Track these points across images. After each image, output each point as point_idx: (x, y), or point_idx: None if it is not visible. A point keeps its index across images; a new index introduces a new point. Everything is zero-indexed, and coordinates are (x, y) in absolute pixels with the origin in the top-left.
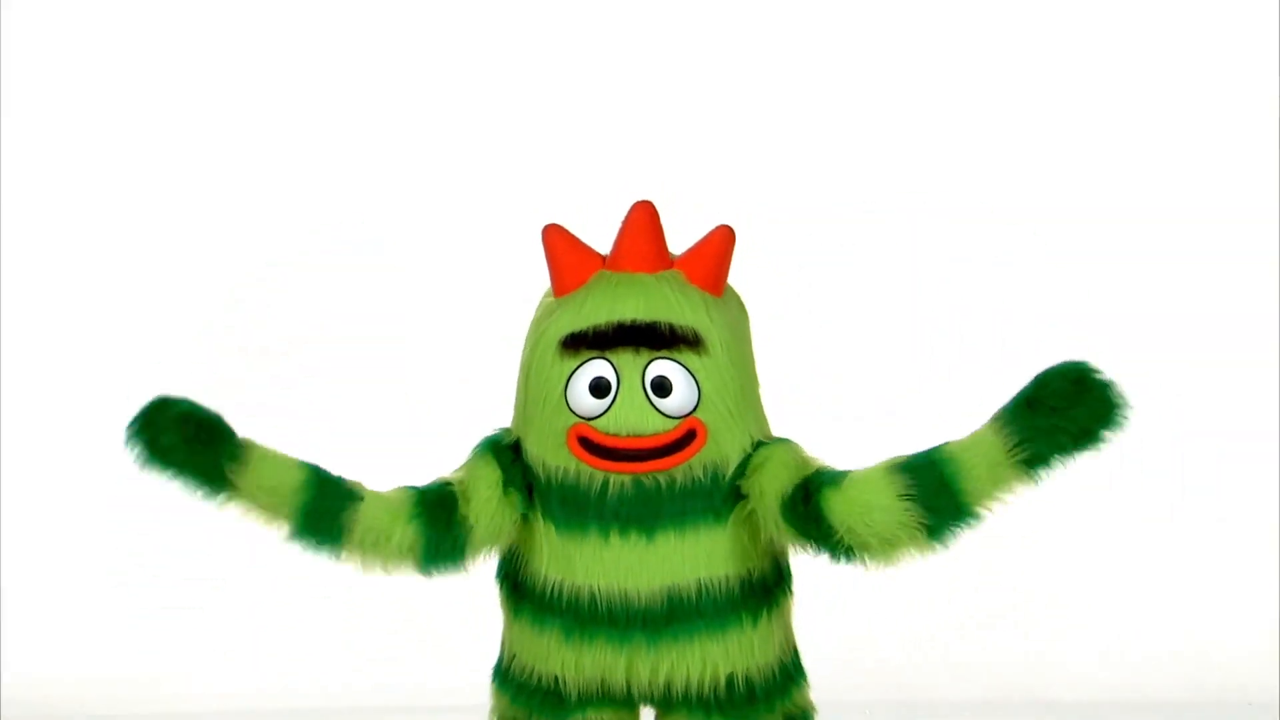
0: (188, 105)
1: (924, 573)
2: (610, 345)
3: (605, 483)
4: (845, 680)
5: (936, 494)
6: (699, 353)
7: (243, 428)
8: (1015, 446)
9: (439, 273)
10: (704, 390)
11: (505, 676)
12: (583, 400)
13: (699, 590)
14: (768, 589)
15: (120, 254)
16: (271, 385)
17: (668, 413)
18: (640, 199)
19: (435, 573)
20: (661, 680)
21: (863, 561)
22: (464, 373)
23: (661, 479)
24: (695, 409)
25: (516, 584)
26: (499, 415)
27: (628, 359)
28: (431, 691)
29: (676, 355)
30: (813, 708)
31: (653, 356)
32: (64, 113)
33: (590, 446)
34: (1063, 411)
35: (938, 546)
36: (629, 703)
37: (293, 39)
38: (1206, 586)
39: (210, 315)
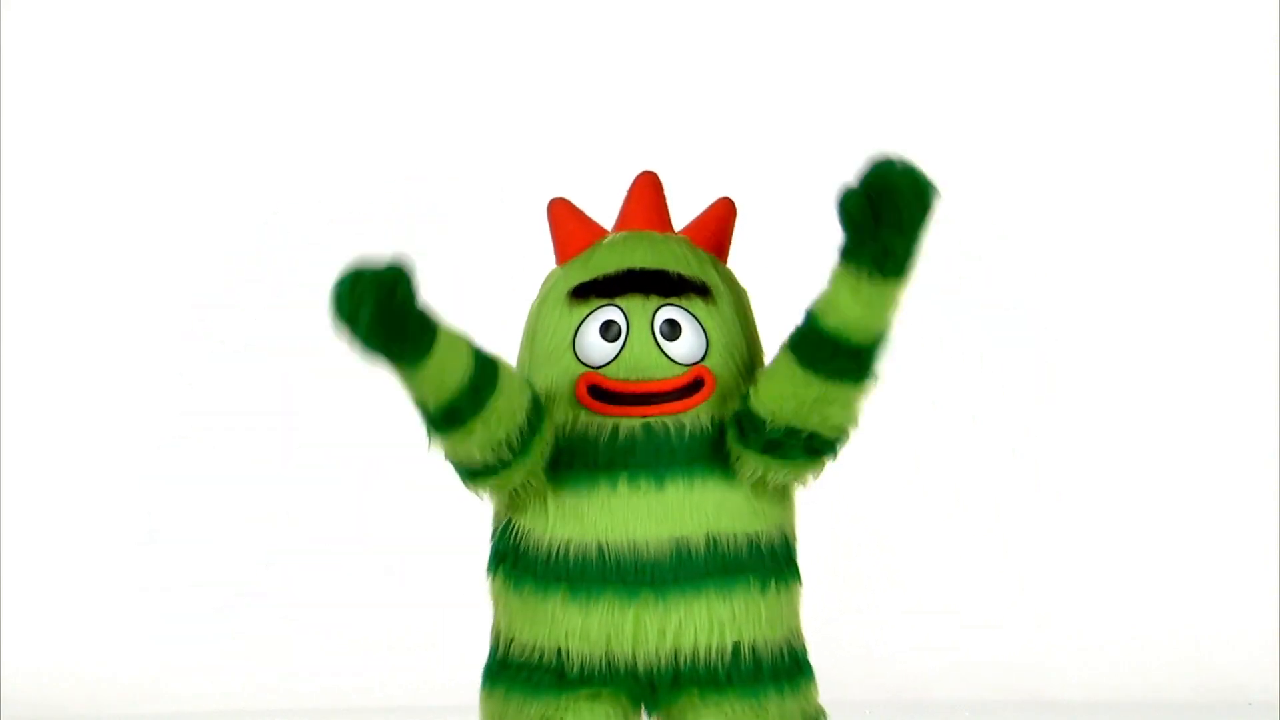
0: (184, 99)
1: (924, 573)
2: (619, 291)
3: (615, 430)
4: (845, 680)
5: (827, 348)
6: (707, 302)
7: (243, 427)
8: (858, 266)
9: (438, 266)
10: (712, 340)
11: (500, 668)
12: (592, 347)
13: (707, 544)
14: (776, 562)
15: (120, 254)
16: (270, 382)
17: (676, 359)
18: (644, 169)
19: (515, 470)
20: (669, 644)
21: (824, 445)
22: None
23: (671, 425)
24: (703, 358)
25: (517, 558)
26: None
27: (637, 304)
28: (431, 691)
29: (685, 303)
30: (823, 712)
31: (662, 302)
32: (62, 113)
33: (600, 394)
34: (871, 230)
35: (869, 383)
36: (633, 679)
37: (290, 36)
38: (1206, 586)
39: (210, 315)
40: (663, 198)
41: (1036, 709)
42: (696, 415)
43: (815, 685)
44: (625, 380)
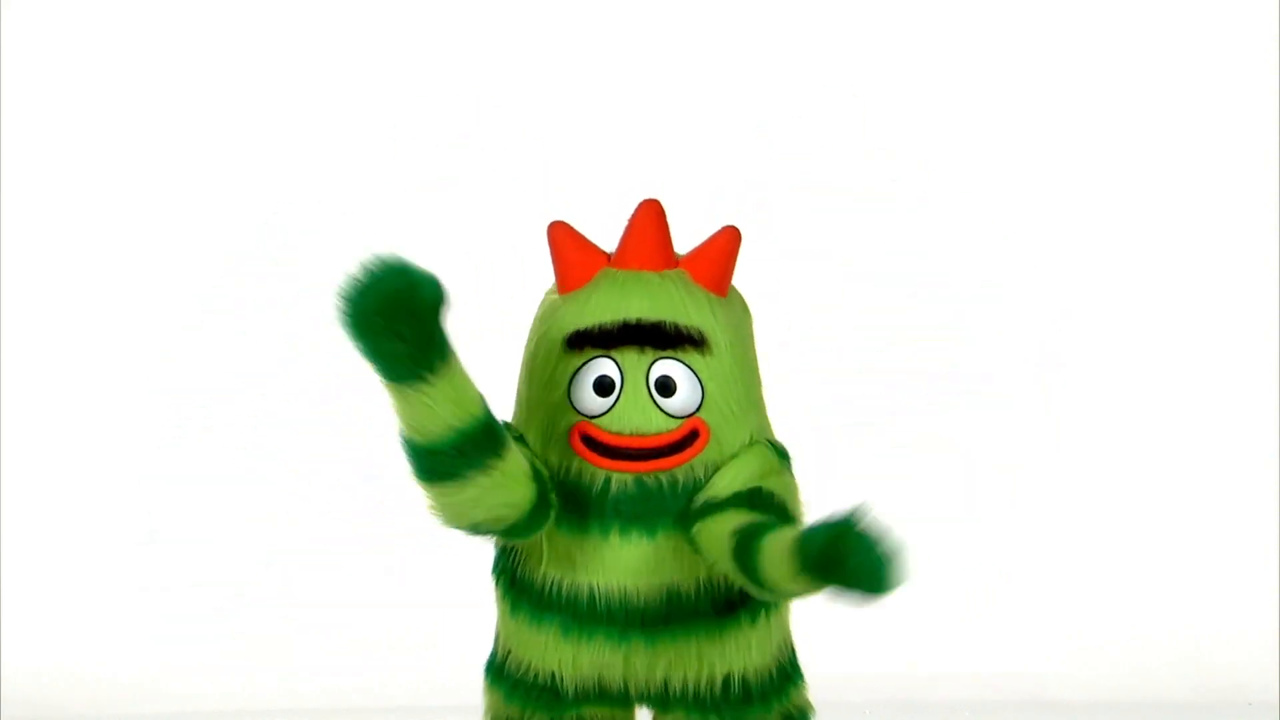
0: (184, 99)
1: (924, 573)
2: (615, 344)
3: (607, 481)
4: (845, 680)
5: (746, 564)
6: (703, 353)
7: (244, 427)
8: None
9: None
10: (707, 390)
11: (500, 672)
12: (586, 398)
13: (697, 590)
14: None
15: (120, 254)
16: (271, 382)
17: (671, 412)
18: (647, 197)
19: (521, 537)
20: (659, 679)
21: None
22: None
23: (664, 479)
24: (699, 409)
25: (514, 580)
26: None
27: (632, 358)
28: (431, 691)
29: (681, 355)
30: (810, 707)
31: (657, 356)
32: (62, 113)
33: (593, 444)
34: (824, 574)
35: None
36: (625, 701)
37: (292, 40)
38: (1206, 587)
39: (210, 315)
40: (664, 227)
41: (1036, 709)
42: (690, 468)
43: (805, 686)
44: (618, 434)
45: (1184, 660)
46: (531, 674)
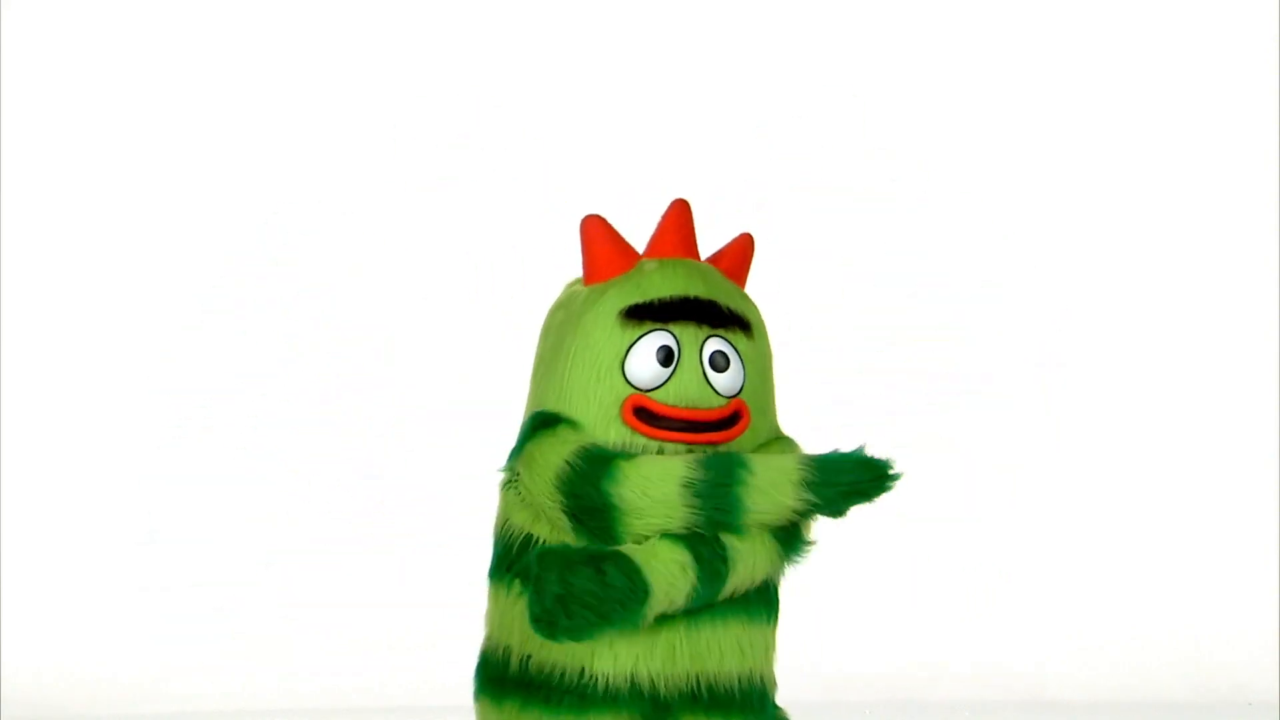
0: (185, 99)
1: (924, 573)
2: (674, 318)
3: (661, 454)
4: (845, 680)
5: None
6: (748, 337)
7: (244, 427)
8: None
9: (438, 270)
10: (748, 374)
11: (510, 682)
12: (643, 370)
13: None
14: (775, 596)
15: (120, 254)
16: (271, 382)
17: (719, 390)
18: (677, 197)
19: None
20: (696, 670)
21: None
22: (464, 369)
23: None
24: (740, 391)
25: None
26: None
27: (689, 332)
28: (431, 691)
29: (730, 335)
30: (785, 714)
31: (710, 333)
32: (62, 113)
33: (647, 416)
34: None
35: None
36: (652, 702)
37: (292, 41)
38: (1206, 586)
39: (210, 315)
40: (693, 226)
41: (1036, 709)
42: (730, 448)
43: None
44: (675, 406)
45: (1184, 660)
46: (558, 673)
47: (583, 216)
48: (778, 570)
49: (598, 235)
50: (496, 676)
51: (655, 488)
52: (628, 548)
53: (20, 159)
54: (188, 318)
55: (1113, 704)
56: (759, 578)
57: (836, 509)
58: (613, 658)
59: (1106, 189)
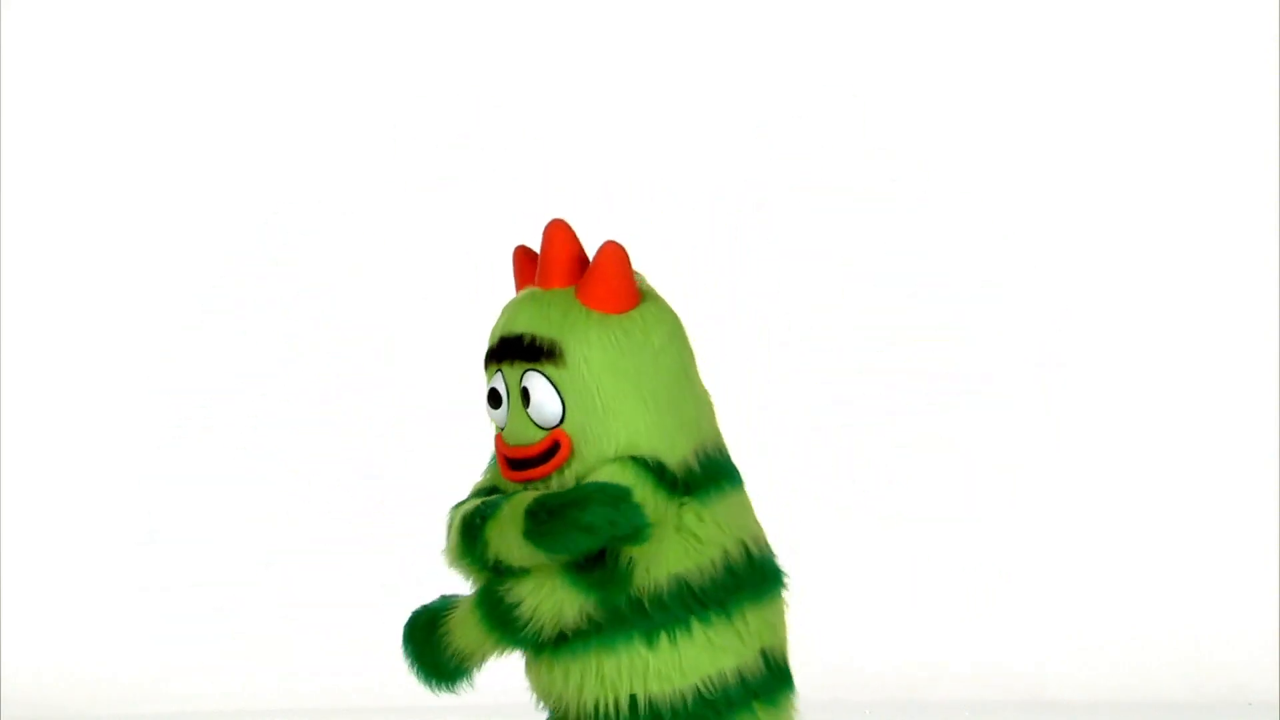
0: (185, 99)
1: (924, 573)
2: (498, 358)
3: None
4: (845, 680)
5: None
6: (557, 365)
7: (244, 427)
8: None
9: (438, 270)
10: (567, 403)
11: None
12: (490, 412)
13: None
14: (665, 610)
15: (120, 254)
16: (271, 382)
17: (538, 423)
18: (554, 218)
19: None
20: (576, 697)
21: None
22: (464, 369)
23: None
24: (560, 421)
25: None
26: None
27: (511, 371)
28: (430, 691)
29: (539, 367)
30: None
31: (526, 368)
32: (62, 113)
33: (501, 458)
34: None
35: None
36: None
37: (292, 41)
38: (1206, 586)
39: (210, 315)
40: (566, 249)
41: (1036, 709)
42: (562, 480)
43: (794, 695)
44: (510, 445)
45: (1184, 660)
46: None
47: (513, 247)
48: (589, 603)
49: (518, 265)
50: None
51: (451, 538)
52: (454, 604)
53: (20, 159)
54: (188, 318)
55: (1113, 704)
56: (569, 615)
57: (540, 545)
58: (532, 684)
59: (1106, 189)
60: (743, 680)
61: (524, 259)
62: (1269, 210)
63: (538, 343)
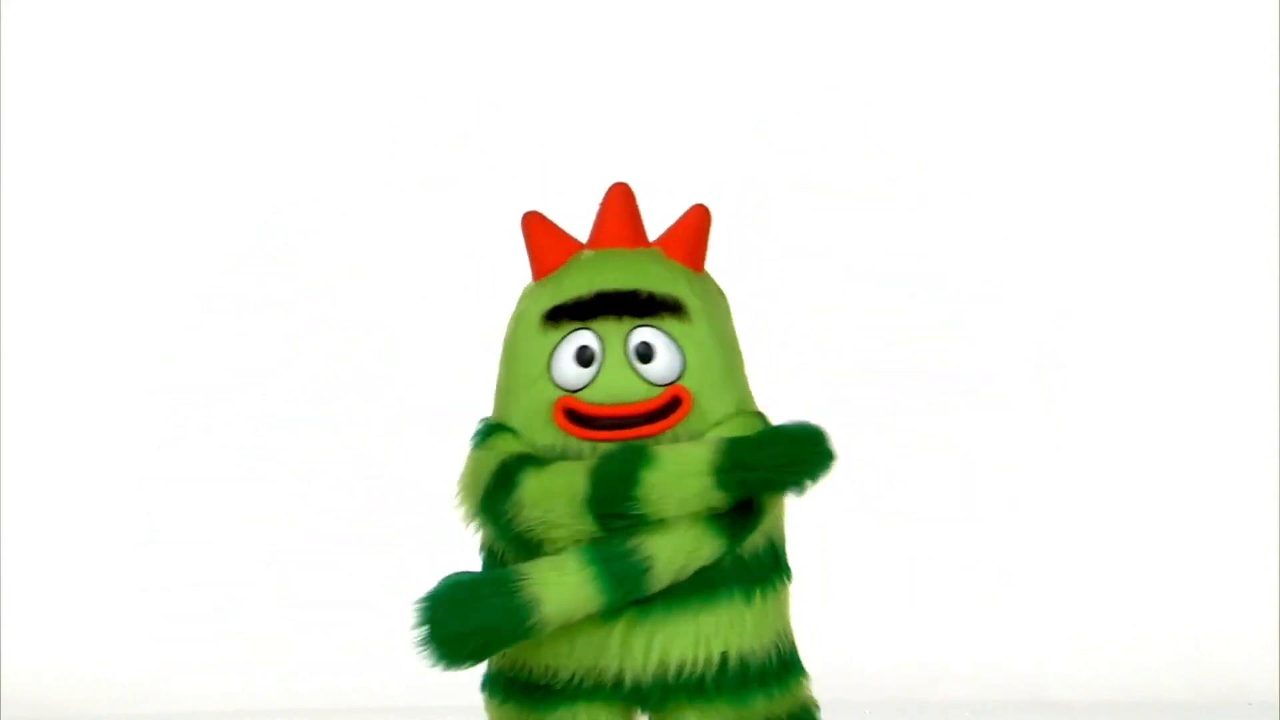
0: (185, 99)
1: (924, 573)
2: (592, 315)
3: (594, 453)
4: (845, 680)
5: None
6: (681, 320)
7: (244, 427)
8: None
9: (438, 270)
10: (688, 358)
11: (494, 679)
12: (567, 372)
13: None
14: (762, 568)
15: (120, 254)
16: (271, 382)
17: (652, 380)
18: (616, 181)
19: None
20: (655, 659)
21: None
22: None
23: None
24: (680, 376)
25: None
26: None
27: (610, 327)
28: (431, 691)
29: (658, 322)
30: (815, 703)
31: (635, 324)
32: (62, 113)
33: (576, 418)
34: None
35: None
36: (623, 695)
37: (292, 41)
38: (1206, 586)
39: (210, 315)
40: (635, 209)
41: (1036, 709)
42: (674, 435)
43: (806, 680)
44: (601, 404)
45: (1184, 660)
46: (525, 671)
47: (522, 214)
48: (722, 552)
49: (536, 231)
50: (491, 674)
51: (554, 504)
52: (527, 565)
53: (20, 159)
54: (188, 318)
55: (1113, 704)
56: (694, 565)
57: (769, 490)
58: (570, 655)
59: (1106, 189)
60: (791, 644)
61: (540, 225)
62: (1269, 210)
63: (658, 298)
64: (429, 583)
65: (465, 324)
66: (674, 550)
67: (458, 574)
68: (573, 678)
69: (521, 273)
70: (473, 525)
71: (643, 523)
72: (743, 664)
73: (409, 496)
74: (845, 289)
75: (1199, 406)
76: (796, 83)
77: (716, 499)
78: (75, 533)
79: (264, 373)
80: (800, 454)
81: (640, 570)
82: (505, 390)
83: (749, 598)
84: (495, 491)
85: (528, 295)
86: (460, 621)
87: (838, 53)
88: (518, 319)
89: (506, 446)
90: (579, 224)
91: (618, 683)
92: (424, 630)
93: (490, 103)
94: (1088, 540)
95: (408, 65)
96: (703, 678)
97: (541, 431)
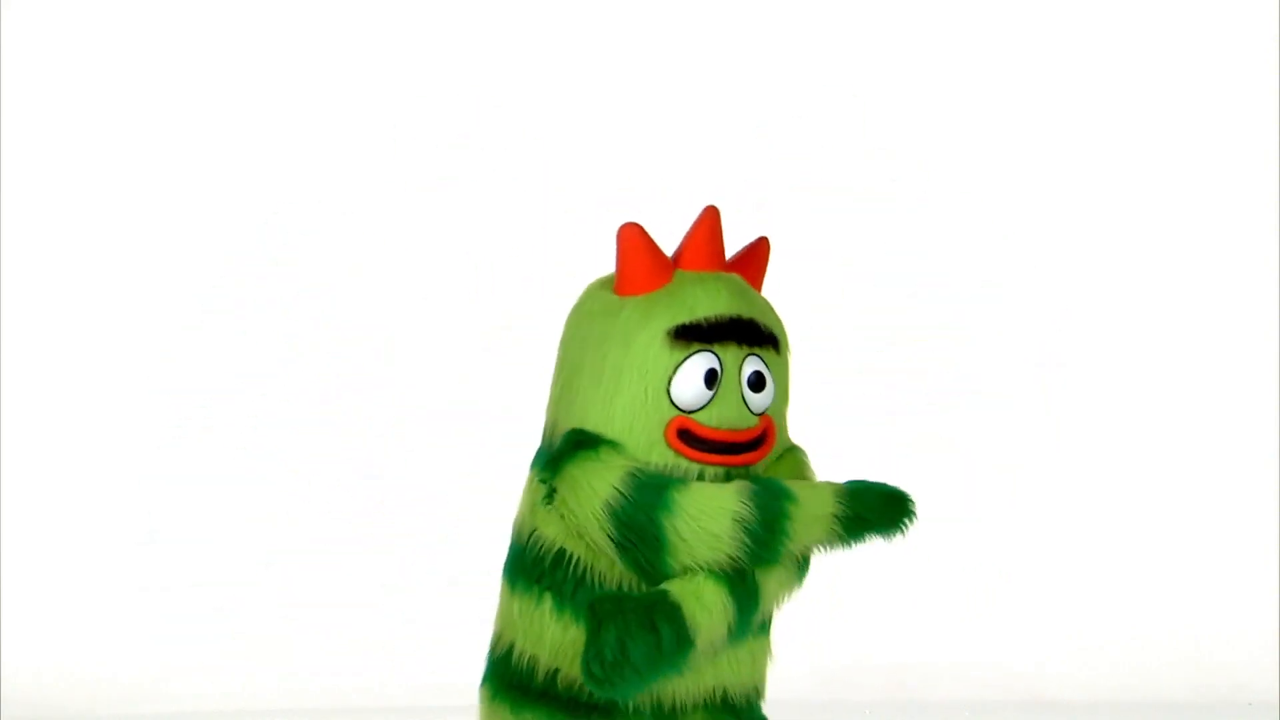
0: (185, 99)
1: (924, 573)
2: (719, 338)
3: (700, 478)
4: (845, 680)
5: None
6: (778, 353)
7: (244, 427)
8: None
9: (438, 270)
10: (777, 392)
11: (530, 687)
12: (687, 391)
13: None
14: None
15: (120, 254)
16: (271, 382)
17: (753, 409)
18: (708, 204)
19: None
20: (711, 686)
21: None
22: (464, 369)
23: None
24: (768, 408)
25: (577, 587)
26: (498, 410)
27: (730, 353)
28: (431, 691)
29: (763, 353)
30: None
31: (749, 352)
32: (62, 113)
33: (689, 439)
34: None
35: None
36: (660, 717)
37: (292, 40)
38: (1206, 587)
39: (210, 315)
40: (722, 234)
41: (1036, 709)
42: (761, 467)
43: None
44: (716, 428)
45: (1184, 660)
46: (586, 691)
47: (620, 225)
48: (799, 588)
49: (636, 245)
50: (518, 684)
51: (710, 522)
52: (676, 592)
53: (20, 159)
54: (188, 318)
55: (1113, 704)
56: (785, 600)
57: (855, 540)
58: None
59: (1106, 189)
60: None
61: (642, 239)
62: (1269, 210)
63: (763, 329)
64: (429, 582)
65: (465, 324)
66: (774, 585)
67: (615, 595)
68: (623, 701)
69: (522, 273)
70: (602, 533)
71: (769, 560)
72: (758, 691)
73: (409, 496)
74: (845, 289)
75: (1199, 407)
76: (797, 83)
77: (837, 542)
78: (75, 533)
79: (264, 373)
80: (897, 512)
81: (755, 602)
82: (610, 402)
83: (768, 630)
84: (639, 500)
85: (641, 310)
86: (638, 659)
87: (838, 53)
88: (630, 331)
89: (621, 460)
90: (579, 224)
91: (670, 705)
92: (607, 663)
93: (490, 103)
94: (1087, 540)
95: (408, 66)
96: (738, 702)
97: (648, 449)
